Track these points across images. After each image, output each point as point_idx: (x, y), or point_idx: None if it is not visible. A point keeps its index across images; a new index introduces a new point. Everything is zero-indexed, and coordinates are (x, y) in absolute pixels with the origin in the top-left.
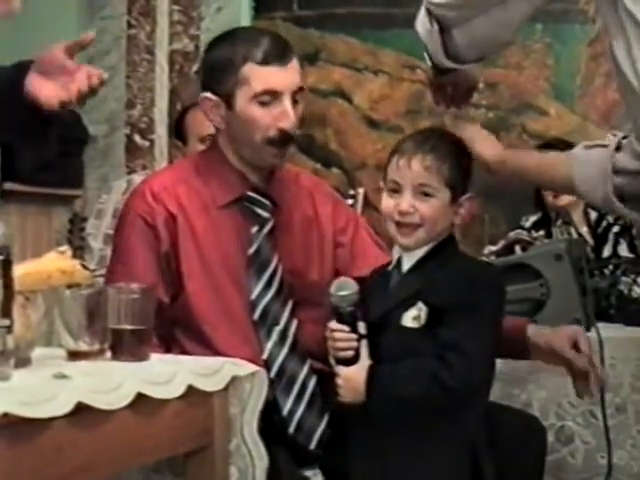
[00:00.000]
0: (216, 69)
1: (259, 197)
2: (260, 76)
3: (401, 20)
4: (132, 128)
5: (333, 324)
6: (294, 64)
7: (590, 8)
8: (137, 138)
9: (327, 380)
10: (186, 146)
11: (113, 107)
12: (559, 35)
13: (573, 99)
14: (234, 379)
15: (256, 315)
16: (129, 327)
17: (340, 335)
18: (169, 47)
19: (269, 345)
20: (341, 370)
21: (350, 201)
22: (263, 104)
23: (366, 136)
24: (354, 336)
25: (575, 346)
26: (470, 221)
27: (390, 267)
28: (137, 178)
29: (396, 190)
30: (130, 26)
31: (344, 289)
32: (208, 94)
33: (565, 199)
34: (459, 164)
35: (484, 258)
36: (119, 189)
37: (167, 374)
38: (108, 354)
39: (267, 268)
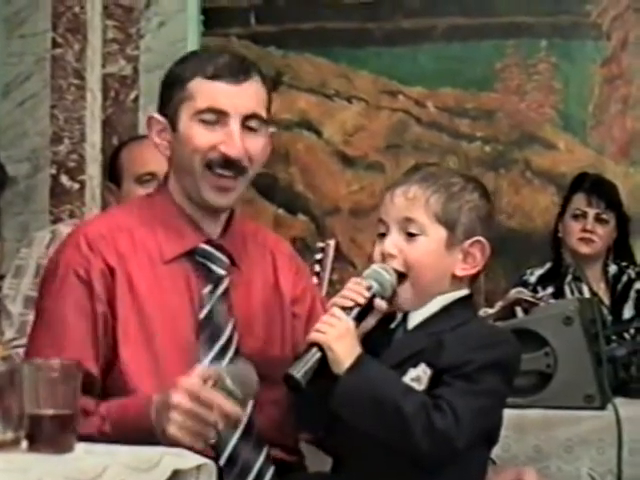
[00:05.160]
0: (164, 87)
1: (214, 251)
2: (206, 91)
3: (379, 36)
4: (58, 167)
5: (357, 278)
6: (252, 85)
7: (604, 22)
8: (64, 179)
9: (287, 472)
10: (120, 189)
11: (36, 142)
12: (567, 53)
13: (585, 130)
14: (176, 473)
15: None
16: (49, 412)
17: (355, 286)
18: (102, 70)
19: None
20: (340, 313)
21: (319, 255)
22: (206, 123)
23: (339, 175)
24: (365, 293)
25: None
26: (478, 275)
27: (394, 324)
28: (64, 228)
29: (384, 233)
30: (55, 45)
31: (388, 273)
32: (154, 114)
33: (594, 247)
34: (461, 199)
35: None
36: (42, 241)
37: (95, 469)
38: (24, 444)
39: (220, 335)
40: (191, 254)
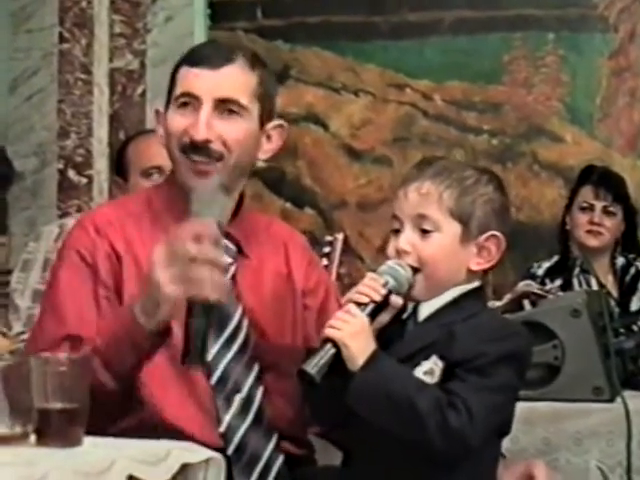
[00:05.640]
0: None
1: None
2: (185, 77)
3: (385, 30)
4: (66, 162)
5: (372, 274)
6: (232, 69)
7: (611, 14)
8: (71, 174)
9: (296, 465)
10: (127, 183)
11: (43, 137)
12: (575, 46)
13: (592, 122)
14: (184, 467)
15: (214, 379)
16: (57, 406)
17: (371, 282)
18: (109, 65)
19: (228, 416)
20: (356, 309)
21: (327, 249)
22: (181, 108)
23: (346, 169)
24: (381, 290)
25: None
26: (492, 268)
27: (405, 315)
28: (71, 222)
29: (398, 229)
30: (62, 40)
31: (404, 269)
32: (159, 107)
33: (602, 239)
34: (474, 193)
35: None
36: (50, 235)
37: (103, 463)
38: (32, 439)
39: (228, 323)
40: None
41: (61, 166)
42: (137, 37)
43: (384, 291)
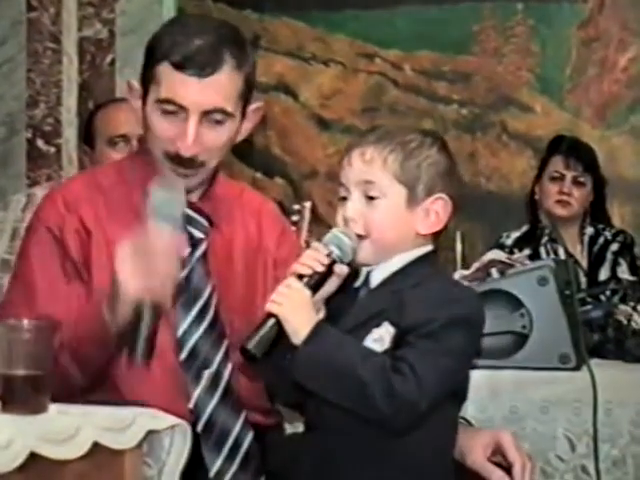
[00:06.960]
0: (145, 52)
1: (192, 213)
2: (170, 81)
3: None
4: (34, 131)
5: (316, 244)
6: (220, 77)
7: None
8: (40, 143)
9: (265, 436)
10: (94, 150)
11: (12, 106)
12: (544, 16)
13: (562, 93)
14: (150, 434)
15: (183, 355)
16: (22, 373)
17: (313, 253)
18: (78, 34)
19: (197, 392)
20: (296, 283)
21: (295, 217)
22: (166, 113)
23: (315, 139)
24: (324, 260)
25: (499, 455)
26: (442, 231)
27: (357, 283)
28: (40, 192)
29: (345, 197)
30: (31, 8)
31: (349, 237)
32: (132, 80)
33: (571, 209)
34: (419, 156)
35: None
36: (18, 205)
37: (68, 429)
38: None
39: (198, 299)
40: None
41: (30, 135)
42: (106, 6)
43: (327, 261)
